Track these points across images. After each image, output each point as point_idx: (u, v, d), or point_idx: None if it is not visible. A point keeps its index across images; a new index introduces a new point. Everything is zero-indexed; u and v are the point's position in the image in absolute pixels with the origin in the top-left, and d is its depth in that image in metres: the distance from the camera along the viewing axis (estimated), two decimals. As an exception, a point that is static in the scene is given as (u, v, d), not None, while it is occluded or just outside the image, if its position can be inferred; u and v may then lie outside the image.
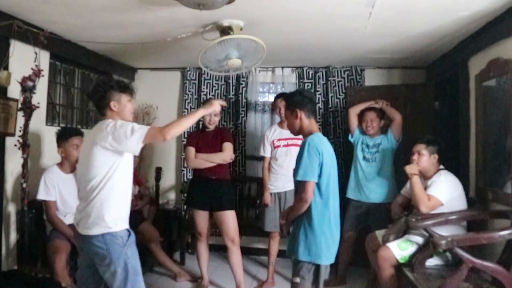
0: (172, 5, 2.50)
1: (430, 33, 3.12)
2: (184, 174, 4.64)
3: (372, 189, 3.54)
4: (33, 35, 2.97)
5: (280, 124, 3.63)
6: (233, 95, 4.64)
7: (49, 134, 3.39)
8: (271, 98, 4.76)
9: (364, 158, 3.61)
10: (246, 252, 4.19)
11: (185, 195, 4.00)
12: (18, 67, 2.94)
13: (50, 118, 3.62)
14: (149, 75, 4.89)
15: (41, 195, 2.98)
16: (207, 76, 4.65)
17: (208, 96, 4.62)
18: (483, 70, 3.04)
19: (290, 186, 3.34)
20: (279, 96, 3.66)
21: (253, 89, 4.62)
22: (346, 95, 4.38)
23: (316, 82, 4.48)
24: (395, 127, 3.56)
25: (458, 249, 2.38)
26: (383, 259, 2.78)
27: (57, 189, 3.03)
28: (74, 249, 2.95)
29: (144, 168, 4.72)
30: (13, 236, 3.05)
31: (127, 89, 2.31)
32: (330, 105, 4.44)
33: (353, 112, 3.73)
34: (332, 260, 2.32)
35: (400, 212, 3.15)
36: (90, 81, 4.28)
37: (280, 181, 3.53)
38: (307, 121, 2.37)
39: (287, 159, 3.45)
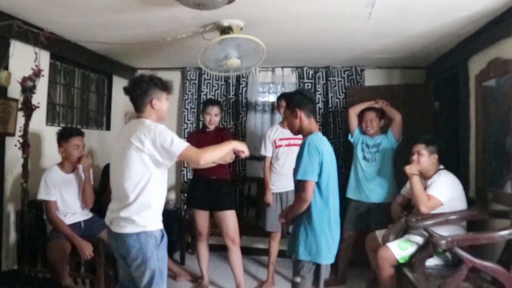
0: (172, 5, 2.50)
1: (430, 33, 3.12)
2: (184, 174, 4.64)
3: (372, 189, 3.53)
4: (33, 35, 2.97)
5: (282, 123, 3.63)
6: (233, 95, 4.64)
7: (49, 134, 3.39)
8: (271, 98, 4.77)
9: (364, 158, 3.61)
10: (246, 252, 4.19)
11: (185, 195, 4.00)
12: (18, 67, 2.94)
13: (50, 118, 3.62)
14: (149, 75, 4.88)
15: (42, 195, 2.97)
16: (207, 76, 4.65)
17: (208, 96, 4.62)
18: (483, 70, 3.04)
19: (291, 186, 3.31)
20: (283, 95, 3.65)
21: (253, 89, 4.62)
22: (346, 95, 4.38)
23: (316, 82, 4.48)
24: (395, 127, 3.56)
25: (458, 249, 2.38)
26: (383, 259, 2.78)
27: (57, 189, 3.02)
28: (74, 249, 2.96)
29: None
30: (13, 236, 3.05)
31: (168, 88, 2.26)
32: (330, 105, 4.44)
33: (353, 112, 3.73)
34: (332, 259, 2.32)
35: (400, 212, 3.15)
36: (90, 81, 4.29)
37: (282, 181, 3.52)
38: (307, 121, 2.37)
39: (289, 159, 3.45)
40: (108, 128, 4.57)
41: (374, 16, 2.75)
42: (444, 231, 2.66)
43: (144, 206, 2.11)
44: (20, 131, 2.91)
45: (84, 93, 4.18)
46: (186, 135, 4.43)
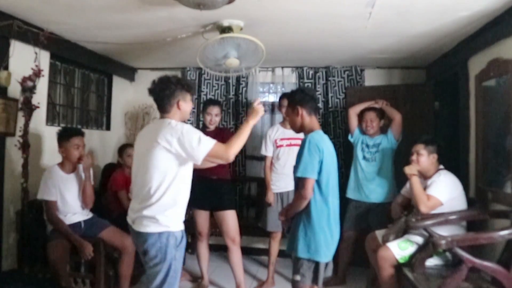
0: (172, 5, 2.51)
1: (430, 33, 3.12)
2: (184, 174, 4.64)
3: (372, 189, 3.53)
4: (33, 35, 2.98)
5: (283, 123, 3.63)
6: (233, 95, 4.64)
7: (49, 134, 3.40)
8: (271, 98, 4.77)
9: (364, 158, 3.61)
10: (246, 252, 4.18)
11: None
12: (18, 67, 2.94)
13: (50, 118, 3.62)
14: (149, 75, 4.86)
15: (42, 195, 2.97)
16: (207, 76, 4.65)
17: (208, 96, 4.62)
18: (483, 70, 3.04)
19: (292, 186, 3.32)
20: (285, 95, 3.65)
21: (253, 89, 4.62)
22: (346, 95, 4.38)
23: (316, 82, 4.48)
24: (395, 127, 3.56)
25: (458, 249, 2.38)
26: (383, 259, 2.78)
27: (57, 189, 3.02)
28: (74, 249, 2.96)
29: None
30: (13, 236, 3.05)
31: (192, 89, 2.31)
32: (330, 105, 4.44)
33: (353, 112, 3.73)
34: (330, 257, 2.33)
35: (400, 212, 3.15)
36: (90, 81, 4.29)
37: (282, 181, 3.52)
38: (308, 119, 2.38)
39: (290, 158, 3.44)
40: (108, 128, 4.57)
41: (374, 16, 2.75)
42: (444, 231, 2.66)
43: (168, 205, 2.13)
44: (20, 131, 2.92)
45: (84, 93, 4.19)
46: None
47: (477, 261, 2.37)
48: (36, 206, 3.06)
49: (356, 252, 3.58)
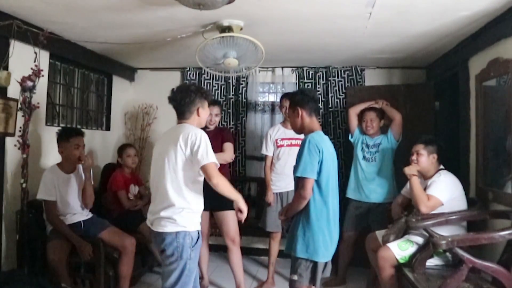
0: (172, 5, 2.50)
1: (430, 33, 3.12)
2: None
3: (372, 189, 3.53)
4: (33, 35, 2.97)
5: (284, 123, 3.63)
6: (233, 95, 4.64)
7: (49, 134, 3.39)
8: (271, 98, 4.77)
9: (364, 158, 3.60)
10: (246, 252, 4.19)
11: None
12: (18, 67, 2.93)
13: (50, 118, 3.62)
14: (149, 75, 4.89)
15: (41, 195, 2.97)
16: (207, 76, 4.65)
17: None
18: (483, 70, 3.03)
19: (292, 186, 3.32)
20: (285, 95, 3.64)
21: (253, 89, 4.62)
22: (346, 95, 4.38)
23: (316, 82, 4.48)
24: (395, 127, 3.55)
25: (458, 249, 2.38)
26: (383, 259, 2.78)
27: (57, 189, 3.02)
28: (74, 250, 2.96)
29: (144, 168, 4.71)
30: (13, 236, 3.05)
31: (209, 96, 2.43)
32: (330, 105, 4.44)
33: (353, 112, 3.73)
34: (329, 258, 2.34)
35: (400, 212, 3.15)
36: (90, 81, 4.29)
37: (283, 181, 3.52)
38: (308, 119, 2.40)
39: (290, 159, 3.43)
40: (108, 128, 4.56)
41: (374, 16, 2.75)
42: (444, 231, 2.66)
43: (184, 206, 2.22)
44: (20, 131, 2.91)
45: (84, 93, 4.18)
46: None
47: (478, 261, 2.37)
48: (36, 206, 3.06)
49: (356, 252, 3.58)
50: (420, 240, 2.79)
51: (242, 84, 4.61)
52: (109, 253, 3.13)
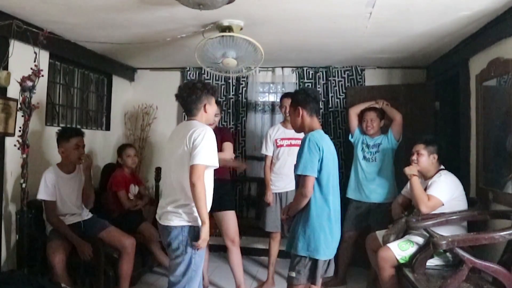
0: (172, 5, 2.50)
1: (431, 33, 3.11)
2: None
3: (373, 189, 3.53)
4: (32, 35, 2.97)
5: (284, 123, 3.62)
6: (233, 95, 4.63)
7: (48, 134, 3.39)
8: (271, 98, 4.76)
9: (364, 158, 3.60)
10: (246, 252, 4.18)
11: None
12: (17, 67, 2.93)
13: (50, 118, 3.61)
14: (149, 75, 4.88)
15: (41, 195, 2.97)
16: (207, 76, 4.64)
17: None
18: (483, 70, 3.03)
19: (291, 186, 3.32)
20: (286, 95, 3.64)
21: (253, 89, 4.62)
22: (346, 95, 4.38)
23: (316, 82, 4.48)
24: (395, 127, 3.55)
25: (459, 250, 2.37)
26: (384, 259, 2.78)
27: (57, 189, 3.02)
28: (73, 250, 2.95)
29: (144, 168, 4.71)
30: (13, 237, 3.05)
31: (216, 92, 2.46)
32: (330, 105, 4.44)
33: (353, 112, 3.73)
34: (330, 256, 2.34)
35: (400, 212, 3.14)
36: (90, 81, 4.29)
37: (282, 181, 3.52)
38: (309, 119, 2.41)
39: (290, 159, 3.43)
40: (108, 128, 4.56)
41: (374, 16, 2.75)
42: (444, 232, 2.66)
43: (190, 201, 2.24)
44: (19, 131, 2.91)
45: (83, 93, 4.18)
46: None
47: (478, 261, 2.36)
48: (36, 206, 3.06)
49: (357, 252, 3.58)
50: (420, 240, 2.78)
51: (242, 84, 4.61)
52: (109, 253, 3.12)
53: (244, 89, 4.61)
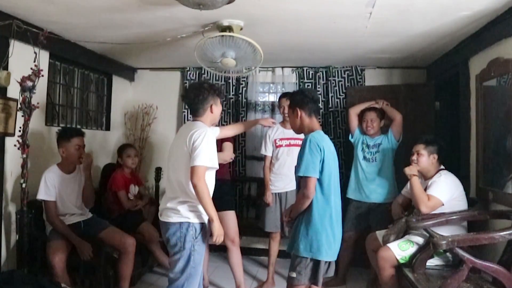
0: (172, 5, 2.50)
1: (431, 32, 3.11)
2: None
3: (373, 189, 3.53)
4: (32, 35, 2.97)
5: (283, 123, 3.62)
6: (233, 95, 4.63)
7: (48, 134, 3.40)
8: (271, 98, 4.76)
9: (365, 158, 3.60)
10: (246, 252, 4.18)
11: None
12: (17, 67, 2.93)
13: (50, 118, 3.61)
14: (148, 75, 4.88)
15: (41, 195, 2.97)
16: (207, 76, 4.64)
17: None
18: (483, 70, 3.03)
19: (291, 186, 3.33)
20: (284, 95, 3.64)
21: (253, 89, 4.62)
22: (346, 95, 4.38)
23: (316, 82, 4.48)
24: (395, 127, 3.55)
25: (459, 249, 2.38)
26: (384, 259, 2.78)
27: (57, 189, 3.02)
28: (73, 250, 2.95)
29: (144, 168, 4.71)
30: (13, 237, 3.05)
31: (222, 93, 2.51)
32: (330, 105, 4.44)
33: (353, 112, 3.72)
34: (333, 257, 2.34)
35: (400, 212, 3.15)
36: (90, 81, 4.29)
37: (281, 182, 3.52)
38: (308, 120, 2.41)
39: (289, 159, 3.44)
40: (108, 128, 4.56)
41: (374, 16, 2.75)
42: (444, 232, 2.66)
43: (189, 199, 2.31)
44: (19, 131, 2.91)
45: (83, 93, 4.18)
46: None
47: (478, 261, 2.36)
48: (36, 206, 3.06)
49: (357, 252, 3.58)
50: (420, 240, 2.78)
51: (242, 84, 4.61)
52: (109, 253, 3.13)
53: (244, 89, 4.61)
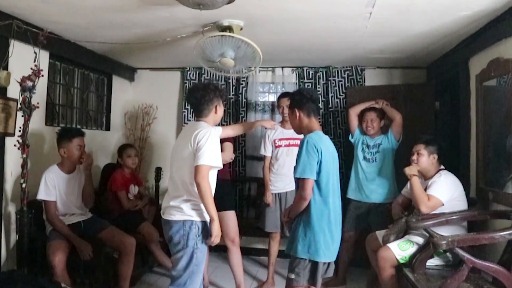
0: (172, 5, 2.50)
1: (431, 32, 3.11)
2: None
3: (373, 189, 3.53)
4: (32, 35, 2.97)
5: (282, 123, 3.62)
6: (233, 95, 4.63)
7: (48, 134, 3.40)
8: (271, 98, 4.76)
9: (365, 158, 3.60)
10: (246, 252, 4.18)
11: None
12: (17, 67, 2.93)
13: (50, 118, 3.61)
14: (149, 75, 4.89)
15: (42, 195, 2.97)
16: (207, 76, 4.64)
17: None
18: (483, 70, 3.03)
19: (291, 186, 3.33)
20: (283, 95, 3.64)
21: (253, 89, 4.62)
22: (346, 95, 4.38)
23: (316, 82, 4.47)
24: (395, 127, 3.55)
25: (459, 249, 2.37)
26: (384, 259, 2.78)
27: (57, 189, 3.02)
28: (73, 250, 2.95)
29: (144, 168, 4.71)
30: (13, 237, 3.05)
31: (225, 95, 2.57)
32: (330, 105, 4.44)
33: (353, 112, 3.72)
34: (332, 258, 2.34)
35: (400, 212, 3.14)
36: (90, 81, 4.29)
37: (281, 182, 3.52)
38: (307, 120, 2.41)
39: (288, 159, 3.43)
40: (108, 128, 4.56)
41: (374, 16, 2.75)
42: (444, 232, 2.65)
43: (191, 198, 2.34)
44: (19, 131, 2.91)
45: (83, 93, 4.18)
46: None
47: (478, 261, 2.36)
48: (36, 206, 3.05)
49: (357, 252, 3.58)
50: (420, 240, 2.78)
51: (242, 84, 4.61)
52: (109, 253, 3.13)
53: (244, 89, 4.61)
